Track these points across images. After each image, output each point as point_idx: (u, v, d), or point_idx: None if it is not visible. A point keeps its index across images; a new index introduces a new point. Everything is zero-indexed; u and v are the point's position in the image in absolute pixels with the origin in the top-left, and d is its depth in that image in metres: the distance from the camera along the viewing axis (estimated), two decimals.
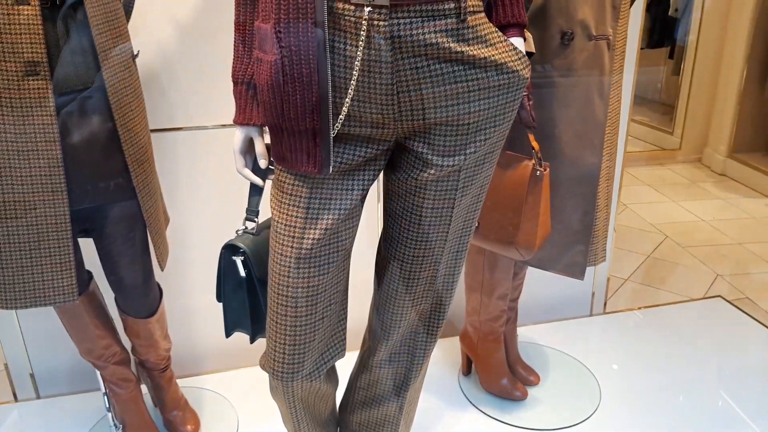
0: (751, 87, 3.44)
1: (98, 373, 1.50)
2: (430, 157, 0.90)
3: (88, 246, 1.31)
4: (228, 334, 1.12)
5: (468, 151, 0.89)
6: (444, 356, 1.88)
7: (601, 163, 1.34)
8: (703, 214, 3.13)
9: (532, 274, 1.91)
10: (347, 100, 0.82)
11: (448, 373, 1.81)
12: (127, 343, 1.51)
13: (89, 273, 1.39)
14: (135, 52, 1.27)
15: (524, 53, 0.89)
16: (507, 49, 0.86)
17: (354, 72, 0.80)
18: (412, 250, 1.00)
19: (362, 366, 1.17)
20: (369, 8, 0.77)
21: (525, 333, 1.99)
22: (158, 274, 1.43)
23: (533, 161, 1.27)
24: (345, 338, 1.07)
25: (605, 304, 2.19)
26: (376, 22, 0.78)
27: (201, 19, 1.54)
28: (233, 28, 0.98)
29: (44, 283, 1.19)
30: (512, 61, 0.86)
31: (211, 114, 1.62)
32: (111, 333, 1.45)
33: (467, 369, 1.80)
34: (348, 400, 1.22)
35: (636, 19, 1.76)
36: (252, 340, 1.11)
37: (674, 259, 2.66)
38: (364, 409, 1.19)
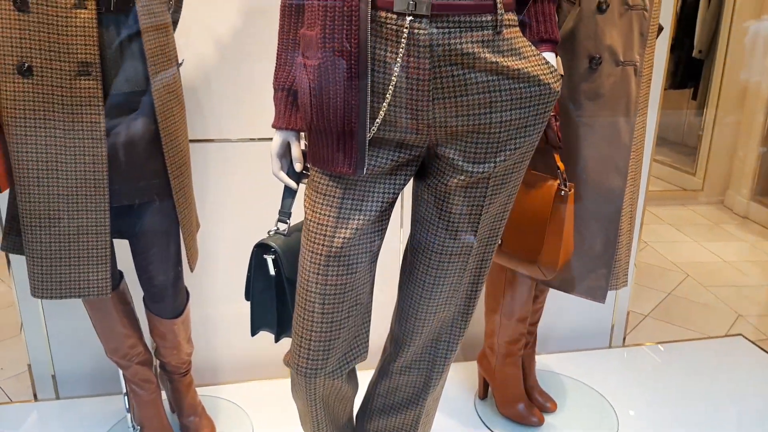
0: None
1: (121, 373, 1.53)
2: (460, 163, 0.93)
3: (120, 248, 1.36)
4: (254, 332, 1.15)
5: (498, 159, 0.93)
6: (462, 380, 1.87)
7: (625, 187, 1.36)
8: (726, 255, 3.11)
9: (553, 303, 1.93)
10: (384, 104, 0.86)
11: (465, 396, 1.81)
12: (150, 346, 1.53)
13: (121, 272, 1.43)
14: (180, 61, 1.33)
15: (555, 68, 0.93)
16: (539, 62, 0.90)
17: (393, 78, 0.85)
18: (439, 256, 1.02)
19: (382, 372, 1.18)
20: (410, 17, 0.82)
21: (543, 361, 1.98)
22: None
23: (558, 181, 1.29)
24: (368, 341, 1.09)
25: (624, 338, 2.17)
26: (416, 31, 0.83)
27: (238, 39, 1.61)
28: (276, 40, 1.03)
29: (80, 276, 1.23)
30: (544, 74, 0.90)
31: (242, 128, 1.67)
32: (137, 333, 1.48)
33: (484, 392, 1.79)
34: (366, 407, 1.23)
35: (660, 58, 1.81)
36: (277, 339, 1.13)
37: (695, 298, 2.63)
38: (381, 417, 1.19)
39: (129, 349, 1.46)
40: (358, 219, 0.94)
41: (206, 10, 1.54)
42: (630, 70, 1.27)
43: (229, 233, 1.72)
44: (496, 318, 1.64)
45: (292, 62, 1.00)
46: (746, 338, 2.20)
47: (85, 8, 1.11)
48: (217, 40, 1.60)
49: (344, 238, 0.94)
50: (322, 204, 0.95)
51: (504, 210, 1.03)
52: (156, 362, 1.58)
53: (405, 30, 0.83)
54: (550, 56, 0.95)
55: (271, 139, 1.07)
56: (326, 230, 0.95)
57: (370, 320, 1.09)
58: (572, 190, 1.30)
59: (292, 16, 1.00)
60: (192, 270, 1.41)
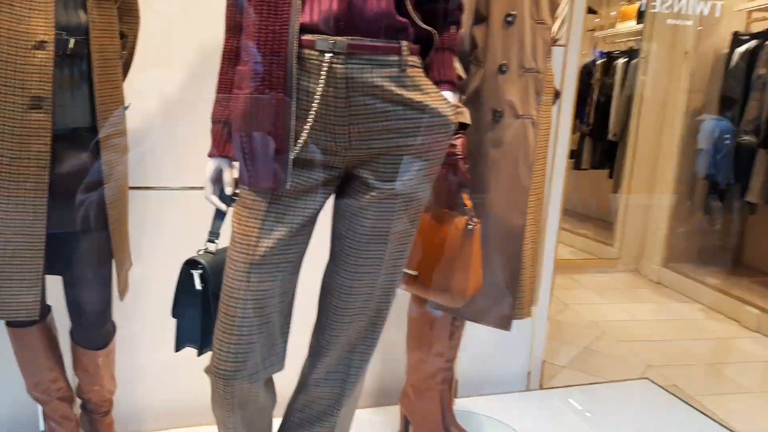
0: (682, 206, 3.81)
1: (40, 410, 1.53)
2: (372, 181, 1.09)
3: (50, 283, 1.40)
4: (178, 348, 1.22)
5: (405, 179, 1.09)
6: (383, 422, 1.94)
7: (525, 224, 1.54)
8: (638, 314, 3.35)
9: (473, 349, 2.07)
10: (306, 128, 1.01)
11: None
12: (72, 385, 1.54)
13: (49, 306, 1.47)
14: (126, 104, 1.46)
15: (452, 103, 1.11)
16: (439, 98, 1.09)
17: (314, 105, 1.00)
18: (353, 267, 1.15)
19: (300, 387, 1.26)
20: (330, 54, 0.99)
21: (463, 404, 2.07)
22: None
23: (467, 218, 1.46)
24: (285, 351, 1.18)
25: (541, 384, 2.31)
26: (334, 66, 1.00)
27: (183, 93, 1.74)
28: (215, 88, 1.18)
29: (11, 297, 1.28)
30: (442, 107, 1.09)
31: (181, 176, 1.75)
32: (59, 367, 1.50)
33: (405, 431, 1.86)
34: (284, 424, 1.29)
35: (564, 140, 2.08)
36: (200, 353, 1.20)
37: (609, 351, 2.82)
38: (298, 431, 1.26)
39: (50, 383, 1.48)
40: (281, 231, 1.07)
41: (155, 64, 1.68)
42: (528, 123, 1.48)
43: (161, 279, 1.76)
44: (417, 354, 1.75)
45: (229, 98, 1.15)
46: (652, 381, 2.39)
47: (44, 50, 1.23)
48: (162, 91, 1.73)
49: (267, 247, 1.06)
50: (249, 217, 1.08)
51: (411, 227, 1.18)
52: (77, 402, 1.59)
53: (325, 65, 1.00)
54: (448, 94, 1.15)
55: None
56: (251, 240, 1.06)
57: (288, 331, 1.18)
58: (478, 226, 1.46)
59: (231, 60, 1.16)
60: (121, 299, 1.47)
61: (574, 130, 4.53)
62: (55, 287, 1.41)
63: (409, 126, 1.06)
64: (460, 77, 1.42)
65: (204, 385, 1.18)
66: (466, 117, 1.41)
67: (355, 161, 1.09)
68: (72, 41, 1.27)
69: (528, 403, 2.16)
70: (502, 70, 1.44)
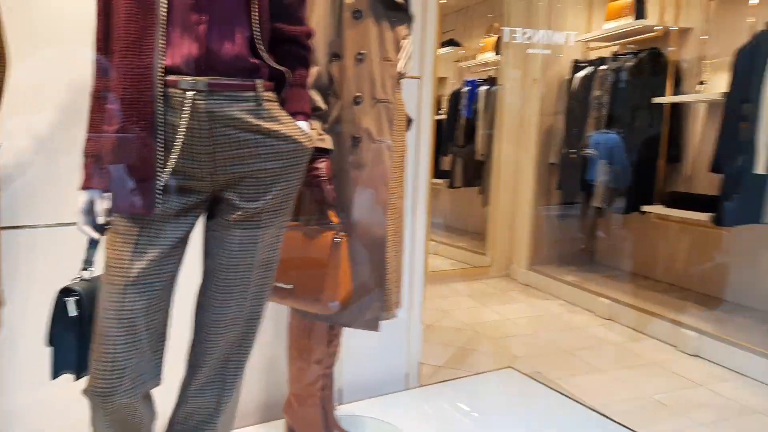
0: (541, 217, 4.25)
1: None
2: (238, 202, 1.21)
3: None
4: (55, 376, 1.24)
5: (267, 198, 1.22)
6: None
7: (386, 236, 1.72)
8: (508, 314, 3.68)
9: (354, 357, 2.24)
10: (173, 157, 1.12)
11: None
12: None
13: None
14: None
15: (307, 132, 1.27)
16: (293, 127, 1.24)
17: (179, 137, 1.11)
18: (224, 282, 1.26)
19: (180, 399, 1.34)
20: (192, 92, 1.11)
21: (348, 409, 2.21)
22: None
23: (333, 232, 1.61)
24: (161, 367, 1.26)
25: (420, 385, 2.51)
26: (197, 102, 1.12)
27: (53, 133, 1.75)
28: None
29: None
30: (296, 135, 1.24)
31: (52, 214, 1.75)
32: None
33: None
34: None
35: (425, 161, 2.32)
36: (77, 378, 1.25)
37: (481, 348, 3.09)
38: None
39: None
40: (153, 252, 1.15)
41: (24, 104, 1.68)
42: (383, 147, 1.67)
43: (37, 315, 1.74)
44: (297, 363, 1.87)
45: (99, 135, 1.22)
46: (515, 369, 2.69)
47: None
48: (32, 131, 1.74)
49: (141, 268, 1.14)
50: (122, 242, 1.15)
51: (276, 242, 1.30)
52: None
53: (188, 101, 1.11)
54: (302, 124, 1.30)
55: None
56: (124, 263, 1.14)
57: (164, 348, 1.26)
58: (345, 239, 1.62)
59: (99, 99, 1.22)
60: None
61: (446, 152, 4.92)
62: None
63: (268, 152, 1.20)
64: (321, 108, 1.59)
65: (82, 411, 1.22)
66: (328, 143, 1.57)
67: (221, 185, 1.21)
68: None
69: (406, 401, 2.35)
70: (356, 101, 1.62)
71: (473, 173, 4.78)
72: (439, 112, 4.95)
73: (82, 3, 1.43)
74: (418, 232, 2.38)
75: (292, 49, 1.30)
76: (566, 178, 4.02)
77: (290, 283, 1.64)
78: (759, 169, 2.61)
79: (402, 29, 1.70)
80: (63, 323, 1.22)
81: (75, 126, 1.34)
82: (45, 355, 1.24)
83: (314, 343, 1.84)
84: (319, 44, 1.57)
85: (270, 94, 1.22)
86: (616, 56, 3.74)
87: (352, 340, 2.22)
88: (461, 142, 4.74)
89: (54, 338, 1.24)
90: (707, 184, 3.31)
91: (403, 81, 1.80)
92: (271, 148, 1.20)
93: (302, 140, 1.25)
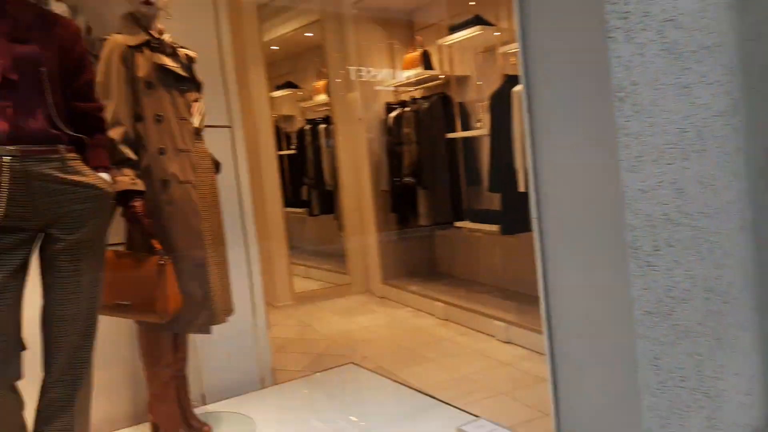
0: (385, 237, 4.86)
1: None
2: (59, 235, 1.64)
3: None
4: None
5: (83, 230, 1.66)
6: None
7: (204, 256, 2.18)
8: (363, 323, 4.19)
9: (213, 363, 2.64)
10: (2, 205, 1.53)
11: None
12: None
13: None
14: None
15: (107, 180, 1.73)
16: (95, 177, 1.70)
17: (4, 190, 1.53)
18: (60, 298, 1.67)
19: (41, 391, 1.70)
20: (8, 157, 1.55)
21: (209, 408, 2.62)
22: None
23: (158, 257, 2.05)
24: (20, 364, 1.64)
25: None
26: (14, 164, 1.55)
27: None
28: None
29: None
30: (99, 183, 1.70)
31: None
32: None
33: None
34: (35, 422, 1.71)
35: (246, 193, 2.80)
36: None
37: (336, 353, 3.57)
38: (45, 425, 1.70)
39: None
40: None
41: None
42: (189, 186, 2.15)
43: None
44: (150, 369, 2.26)
45: None
46: (356, 364, 3.20)
47: None
48: None
49: None
50: None
51: (97, 266, 1.73)
52: None
53: (6, 164, 1.54)
54: (103, 174, 1.76)
55: None
56: None
57: (20, 349, 1.64)
58: (169, 261, 2.06)
59: None
60: None
61: (302, 183, 5.45)
62: None
63: (77, 197, 1.65)
64: (132, 158, 2.04)
65: None
66: (140, 186, 2.03)
67: (44, 224, 1.63)
68: None
69: (259, 397, 2.78)
70: (161, 152, 2.10)
71: (326, 201, 5.33)
72: (291, 147, 5.49)
73: None
74: (252, 253, 2.85)
75: (87, 121, 1.78)
76: (396, 202, 4.68)
77: (128, 300, 2.05)
78: (521, 188, 3.27)
79: (192, 95, 2.22)
80: None
81: None
82: None
83: (162, 350, 2.24)
84: (123, 109, 2.04)
85: (72, 155, 1.68)
86: (414, 99, 4.50)
87: (207, 348, 2.64)
88: (312, 174, 5.29)
89: None
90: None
91: (211, 132, 2.31)
92: (79, 194, 1.65)
93: (104, 186, 1.72)
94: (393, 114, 4.56)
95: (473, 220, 4.03)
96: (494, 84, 3.63)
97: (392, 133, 4.58)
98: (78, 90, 1.76)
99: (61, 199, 1.62)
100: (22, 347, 1.67)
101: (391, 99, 4.73)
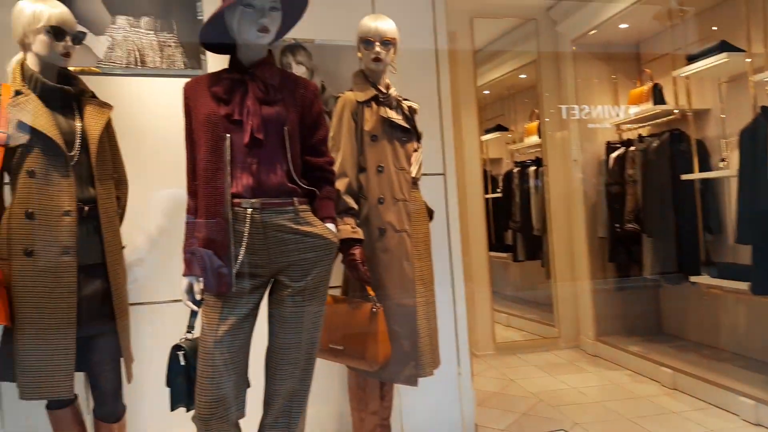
0: (600, 289, 4.44)
1: None
2: (287, 282, 1.71)
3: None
4: (172, 408, 1.74)
5: (308, 279, 1.71)
6: None
7: (416, 306, 2.13)
8: (573, 383, 3.83)
9: (414, 417, 2.58)
10: (242, 253, 1.64)
11: None
12: None
13: (76, 394, 1.99)
14: (123, 245, 2.07)
15: (333, 231, 1.76)
16: (323, 228, 1.75)
17: (244, 238, 1.64)
18: (282, 340, 1.73)
19: (259, 429, 1.78)
20: (250, 209, 1.65)
21: None
22: None
23: (371, 304, 2.06)
24: (244, 403, 1.72)
25: None
26: (254, 215, 1.65)
27: (161, 232, 2.38)
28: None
29: (56, 383, 1.79)
30: (325, 234, 1.74)
31: (164, 292, 2.35)
32: None
33: None
34: None
35: (456, 242, 2.73)
36: (188, 410, 1.74)
37: (543, 414, 3.29)
38: None
39: None
40: (232, 319, 1.65)
41: (141, 214, 2.32)
42: (404, 235, 2.14)
43: (156, 370, 2.29)
44: (357, 414, 2.26)
45: (192, 239, 1.76)
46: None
47: (70, 215, 1.84)
48: (147, 234, 2.37)
49: (224, 330, 1.65)
50: (211, 312, 1.67)
51: (318, 313, 1.76)
52: None
53: (248, 215, 1.65)
54: (330, 225, 1.80)
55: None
56: (213, 327, 1.65)
57: (245, 387, 1.73)
58: (381, 309, 2.05)
59: (192, 214, 1.78)
60: (129, 382, 2.00)
61: (507, 227, 5.27)
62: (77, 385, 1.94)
63: (306, 246, 1.71)
64: (353, 208, 2.09)
65: None
66: (360, 234, 2.06)
67: (275, 271, 1.71)
68: (86, 208, 1.89)
69: None
70: (380, 201, 2.12)
71: (533, 247, 5.05)
72: (497, 190, 5.36)
73: (175, 140, 1.96)
74: (459, 299, 2.75)
75: (318, 174, 1.84)
76: (615, 250, 4.24)
77: (341, 344, 2.09)
78: None
79: (411, 145, 2.22)
80: (176, 370, 1.73)
81: (176, 228, 1.87)
82: (164, 396, 1.74)
83: (369, 396, 2.24)
84: (349, 161, 2.11)
85: (304, 207, 1.75)
86: (640, 137, 4.06)
87: (408, 398, 2.59)
88: (518, 218, 5.09)
89: (170, 381, 1.75)
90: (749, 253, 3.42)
91: (425, 179, 2.30)
92: (307, 243, 1.71)
93: (330, 237, 1.76)
94: (615, 154, 4.18)
95: (714, 275, 3.47)
96: (744, 118, 3.12)
97: (612, 174, 4.19)
98: (313, 145, 1.84)
99: (292, 248, 1.70)
100: (248, 385, 1.76)
101: (613, 138, 4.36)
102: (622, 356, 4.09)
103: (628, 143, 4.14)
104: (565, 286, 4.64)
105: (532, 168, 4.88)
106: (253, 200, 1.66)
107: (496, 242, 5.27)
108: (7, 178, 1.87)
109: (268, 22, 1.69)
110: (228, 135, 1.68)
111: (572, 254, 4.59)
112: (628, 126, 4.29)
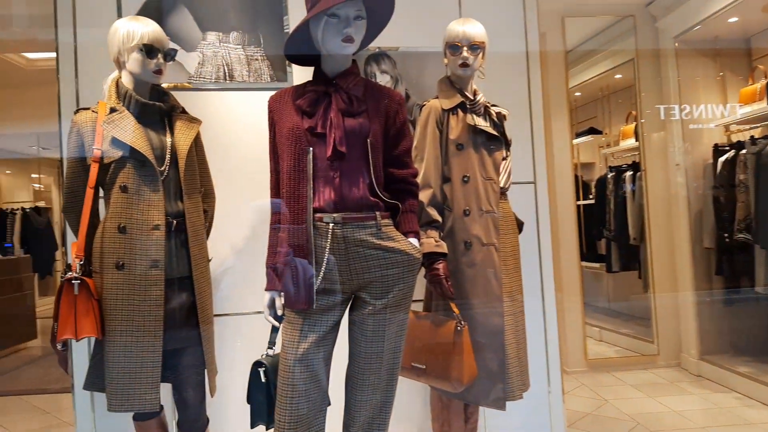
0: (705, 303, 4.09)
1: None
2: (369, 299, 1.64)
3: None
4: (253, 425, 1.73)
5: (389, 296, 1.63)
6: None
7: (503, 324, 2.01)
8: (675, 406, 3.54)
9: None
10: (323, 269, 1.60)
11: None
12: None
13: (162, 405, 2.03)
14: (210, 257, 2.10)
15: (416, 246, 1.68)
16: (405, 243, 1.67)
17: (325, 254, 1.59)
18: (364, 358, 1.67)
19: None
20: (332, 223, 1.60)
21: None
22: None
23: (455, 321, 1.96)
24: (324, 421, 1.68)
25: None
26: (336, 230, 1.60)
27: (246, 244, 2.40)
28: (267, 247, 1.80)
29: (142, 395, 1.83)
30: (408, 249, 1.66)
31: (251, 304, 2.37)
32: None
33: None
34: None
35: (547, 255, 2.59)
36: (267, 428, 1.72)
37: None
38: None
39: None
40: (313, 336, 1.62)
41: (226, 228, 2.35)
42: (492, 249, 2.02)
43: (239, 382, 2.32)
44: None
45: (274, 254, 1.75)
46: None
47: (159, 230, 1.89)
48: (233, 245, 2.40)
49: (305, 348, 1.61)
50: (291, 329, 1.64)
51: (401, 330, 1.69)
52: None
53: (329, 230, 1.60)
54: (413, 240, 1.71)
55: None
56: (294, 344, 1.62)
57: (326, 406, 1.68)
58: (466, 327, 1.95)
59: (275, 229, 1.77)
60: (212, 396, 2.02)
61: (600, 236, 4.98)
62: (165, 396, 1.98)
63: (388, 262, 1.64)
64: (437, 220, 2.01)
65: None
66: (443, 248, 1.97)
67: (356, 287, 1.66)
68: (175, 222, 1.92)
69: None
70: (465, 213, 2.01)
71: (629, 257, 4.75)
72: (589, 196, 5.08)
73: (262, 153, 1.94)
74: (549, 312, 2.59)
75: (401, 187, 1.77)
76: (723, 262, 3.88)
77: (423, 363, 2.00)
78: None
79: (499, 154, 2.09)
80: (257, 387, 1.72)
81: (263, 239, 1.85)
82: (246, 410, 1.73)
83: (452, 417, 2.14)
84: (433, 172, 2.02)
85: (386, 221, 1.68)
86: (754, 140, 3.69)
87: (494, 418, 2.46)
88: (613, 226, 4.79)
89: (251, 398, 1.73)
90: None
91: (514, 188, 2.18)
92: (389, 259, 1.64)
93: (413, 252, 1.68)
94: (724, 158, 3.83)
95: None
96: None
97: (721, 180, 3.84)
98: (396, 157, 1.78)
99: (373, 264, 1.64)
100: (328, 403, 1.72)
101: (720, 140, 4.00)
102: (730, 377, 3.75)
103: (738, 146, 3.77)
104: (664, 298, 4.32)
105: (629, 173, 4.58)
106: (334, 214, 1.62)
107: (588, 251, 5.00)
108: (101, 193, 1.94)
109: (352, 32, 1.65)
110: (311, 148, 1.65)
111: (673, 265, 4.26)
112: (738, 127, 3.92)
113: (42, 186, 8.00)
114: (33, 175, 7.99)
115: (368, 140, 1.67)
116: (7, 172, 7.80)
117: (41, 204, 7.51)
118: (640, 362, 4.40)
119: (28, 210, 7.04)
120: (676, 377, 4.11)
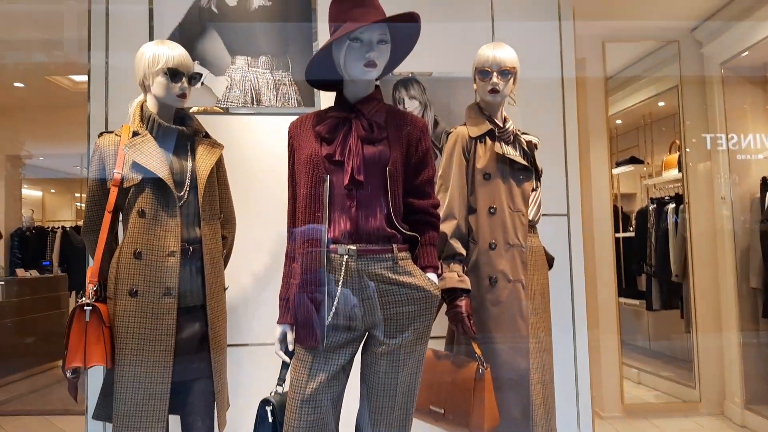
0: (752, 347, 3.83)
1: None
2: (383, 338, 1.54)
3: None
4: None
5: (404, 336, 1.53)
6: None
7: (530, 367, 1.88)
8: None
9: None
10: (334, 305, 1.51)
11: None
12: None
13: None
14: (226, 286, 2.04)
15: (435, 282, 1.58)
16: (423, 279, 1.56)
17: (338, 288, 1.51)
18: (375, 400, 1.56)
19: None
20: (346, 256, 1.52)
21: None
22: None
23: (477, 363, 1.84)
24: None
25: None
26: (350, 263, 1.52)
27: (263, 275, 2.33)
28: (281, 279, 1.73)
29: (146, 427, 1.77)
30: (426, 285, 1.56)
31: (260, 335, 2.29)
32: None
33: None
34: None
35: (580, 290, 2.45)
36: None
37: None
38: None
39: None
40: (322, 375, 1.52)
41: (247, 255, 2.31)
42: (519, 285, 1.90)
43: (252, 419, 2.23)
44: None
45: (287, 285, 1.67)
46: None
47: (174, 256, 1.84)
48: (254, 274, 2.35)
49: (312, 388, 1.52)
50: (300, 367, 1.55)
51: (416, 371, 1.58)
52: None
53: (343, 263, 1.52)
54: (431, 275, 1.61)
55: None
56: (301, 383, 1.53)
57: None
58: (488, 369, 1.83)
59: (289, 259, 1.69)
60: (221, 429, 1.93)
61: (640, 272, 4.76)
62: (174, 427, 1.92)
63: (404, 299, 1.54)
64: (460, 253, 1.90)
65: None
66: (466, 284, 1.86)
67: (369, 324, 1.56)
68: (191, 249, 1.87)
69: None
70: (491, 246, 1.90)
71: (670, 294, 4.51)
72: (629, 229, 4.87)
73: (279, 187, 1.96)
74: (581, 353, 2.44)
75: (421, 218, 1.68)
76: None
77: (441, 407, 1.88)
78: None
79: (529, 184, 1.98)
80: (263, 427, 1.63)
81: (281, 268, 1.75)
82: None
83: None
84: (457, 202, 1.92)
85: (404, 254, 1.59)
86: None
87: None
88: (654, 261, 4.57)
89: None
90: None
91: (546, 220, 2.06)
92: (405, 295, 1.55)
93: (431, 289, 1.58)
94: None
95: None
96: None
97: None
98: (417, 186, 1.69)
99: (389, 300, 1.55)
100: None
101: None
102: None
103: None
104: (708, 340, 4.07)
105: (671, 205, 4.38)
106: (349, 246, 1.54)
107: (626, 287, 4.78)
108: (122, 217, 1.91)
109: (375, 56, 1.59)
110: (328, 176, 1.58)
111: (718, 304, 4.02)
112: None
113: (83, 205, 8.18)
114: (76, 194, 8.19)
115: (387, 168, 1.59)
116: (52, 191, 8.01)
117: (81, 223, 7.66)
118: (681, 409, 4.14)
119: (68, 228, 7.19)
120: (719, 426, 3.84)
